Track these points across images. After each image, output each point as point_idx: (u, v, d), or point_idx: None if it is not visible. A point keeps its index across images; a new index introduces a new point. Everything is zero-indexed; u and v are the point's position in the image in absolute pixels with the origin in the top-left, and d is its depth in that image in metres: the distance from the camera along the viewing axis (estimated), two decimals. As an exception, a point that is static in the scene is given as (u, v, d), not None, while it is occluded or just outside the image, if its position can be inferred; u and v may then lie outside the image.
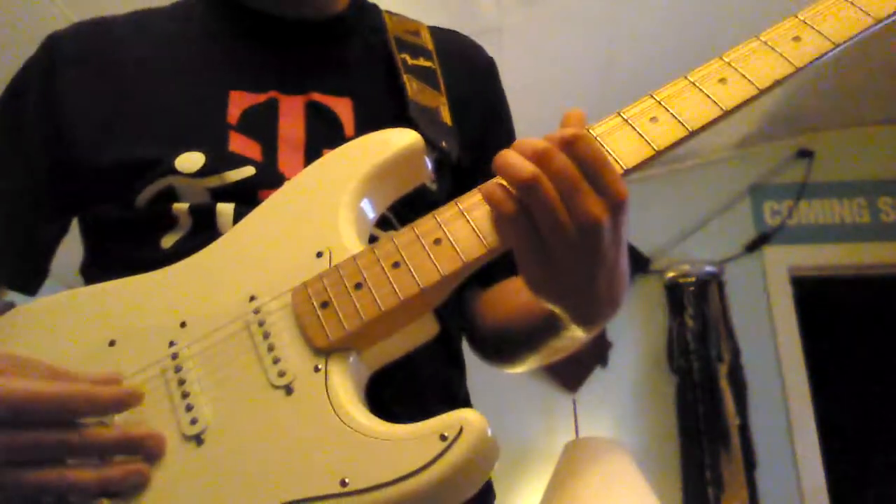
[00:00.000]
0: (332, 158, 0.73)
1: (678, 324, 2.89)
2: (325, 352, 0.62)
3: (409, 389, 0.73)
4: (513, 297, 0.84)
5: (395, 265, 0.63)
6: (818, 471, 2.73)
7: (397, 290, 0.62)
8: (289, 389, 0.61)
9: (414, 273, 0.63)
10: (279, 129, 0.80)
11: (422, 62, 0.88)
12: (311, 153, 0.78)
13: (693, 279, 2.93)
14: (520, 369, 0.87)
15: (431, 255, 0.63)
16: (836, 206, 3.11)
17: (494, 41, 2.42)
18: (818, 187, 3.12)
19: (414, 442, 0.56)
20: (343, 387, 0.61)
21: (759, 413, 2.78)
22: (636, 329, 2.96)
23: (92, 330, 0.68)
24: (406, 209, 0.76)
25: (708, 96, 0.65)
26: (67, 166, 0.80)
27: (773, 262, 3.02)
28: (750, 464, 2.69)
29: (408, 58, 0.87)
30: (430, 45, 0.92)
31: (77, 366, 0.64)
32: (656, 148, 0.63)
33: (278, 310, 0.65)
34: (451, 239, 0.63)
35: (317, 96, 0.82)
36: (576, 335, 0.70)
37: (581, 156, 0.58)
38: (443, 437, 0.55)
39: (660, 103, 0.65)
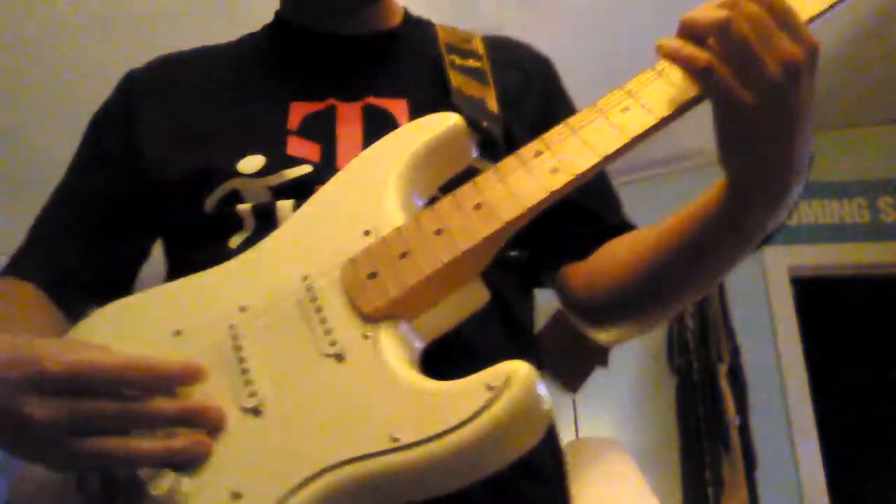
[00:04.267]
0: (378, 146, 0.76)
1: (678, 324, 2.89)
2: (373, 319, 0.64)
3: (467, 365, 0.72)
4: (652, 238, 0.79)
5: (438, 232, 0.66)
6: (818, 471, 2.74)
7: (440, 254, 0.64)
8: (339, 357, 0.63)
9: (455, 237, 0.65)
10: (338, 131, 0.83)
11: (471, 63, 0.91)
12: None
13: (693, 279, 2.93)
14: (652, 322, 0.83)
15: (472, 219, 0.65)
16: (836, 206, 3.11)
17: (494, 41, 2.41)
18: (818, 187, 3.12)
19: (461, 395, 0.56)
20: (392, 351, 0.62)
21: (759, 413, 2.78)
22: (636, 329, 2.95)
23: (158, 323, 0.71)
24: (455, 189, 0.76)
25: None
26: (143, 187, 0.86)
27: (773, 262, 3.02)
28: (750, 464, 2.69)
29: (456, 58, 0.90)
30: (480, 50, 0.94)
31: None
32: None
33: (329, 285, 0.67)
34: (490, 202, 0.66)
35: (373, 100, 0.86)
36: (758, 224, 0.67)
37: (769, 4, 0.58)
38: (489, 388, 0.55)
39: None
